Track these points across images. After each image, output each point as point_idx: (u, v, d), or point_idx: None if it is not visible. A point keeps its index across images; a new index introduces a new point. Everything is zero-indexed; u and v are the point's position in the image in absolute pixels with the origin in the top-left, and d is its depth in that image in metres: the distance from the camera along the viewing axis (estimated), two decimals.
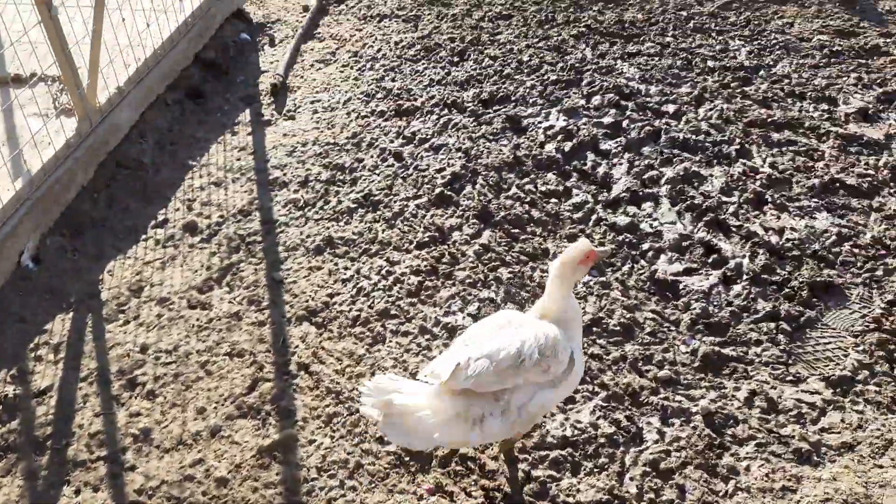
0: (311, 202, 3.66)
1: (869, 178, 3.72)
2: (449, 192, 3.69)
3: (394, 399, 2.15)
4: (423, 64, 4.79)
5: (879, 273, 3.20)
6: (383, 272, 3.24)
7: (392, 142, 4.10)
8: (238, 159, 3.98)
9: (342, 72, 4.74)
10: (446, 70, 4.71)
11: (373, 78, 4.67)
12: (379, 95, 4.51)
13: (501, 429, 2.17)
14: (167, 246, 3.41)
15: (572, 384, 2.31)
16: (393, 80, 4.65)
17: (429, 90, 4.52)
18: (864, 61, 4.60)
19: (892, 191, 3.66)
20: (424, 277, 3.20)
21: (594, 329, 2.97)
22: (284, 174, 3.85)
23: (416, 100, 4.44)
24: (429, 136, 4.13)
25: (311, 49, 5.01)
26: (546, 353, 2.15)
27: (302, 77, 4.70)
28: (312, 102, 4.44)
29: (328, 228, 3.49)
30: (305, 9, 5.48)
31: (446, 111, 4.34)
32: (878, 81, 4.42)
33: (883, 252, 3.31)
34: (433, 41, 5.01)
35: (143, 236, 3.47)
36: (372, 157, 3.99)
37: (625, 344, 2.92)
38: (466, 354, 2.13)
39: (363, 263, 3.30)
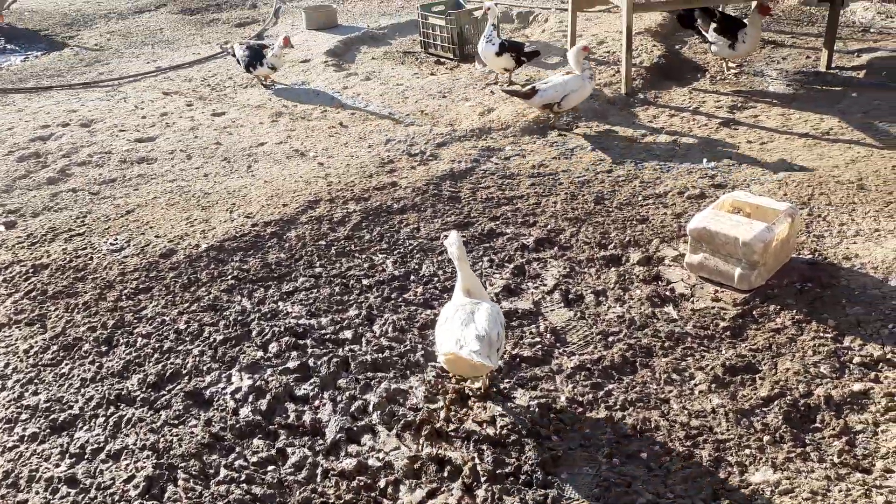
0: None
1: (539, 345, 4.10)
2: (150, 503, 3.15)
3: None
4: (68, 364, 4.21)
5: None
6: None
7: (58, 465, 3.45)
8: None
9: None
10: (97, 364, 4.19)
11: (9, 399, 3.95)
12: (24, 417, 3.81)
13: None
14: None
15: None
16: (36, 393, 3.99)
17: (84, 392, 3.96)
18: (487, 245, 5.21)
19: (563, 349, 4.07)
20: None
21: None
22: None
23: (71, 407, 3.84)
24: (102, 445, 3.57)
25: None
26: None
27: None
28: None
29: None
30: None
31: (113, 409, 3.82)
32: (506, 259, 5.02)
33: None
34: (70, 337, 4.47)
35: None
36: (38, 493, 3.28)
37: None
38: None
39: None
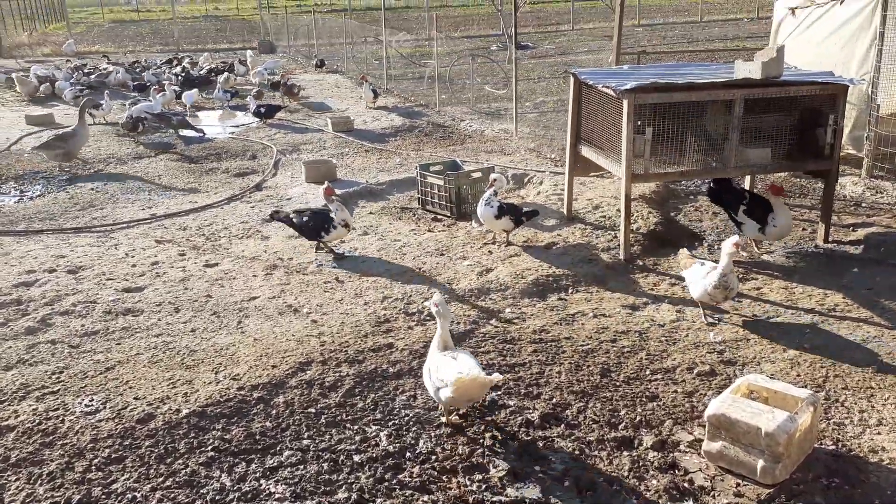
0: None
1: None
2: None
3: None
4: None
5: None
6: None
7: None
8: None
9: None
10: None
11: None
12: None
13: None
14: None
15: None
16: None
17: None
18: (489, 418, 4.88)
19: None
20: None
21: None
22: None
23: None
24: None
25: None
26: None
27: None
28: None
29: None
30: None
31: None
32: (510, 436, 4.69)
33: None
34: None
35: None
36: None
37: None
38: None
39: None
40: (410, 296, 6.88)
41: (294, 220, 8.13)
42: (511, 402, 5.05)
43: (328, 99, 19.74)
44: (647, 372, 5.41)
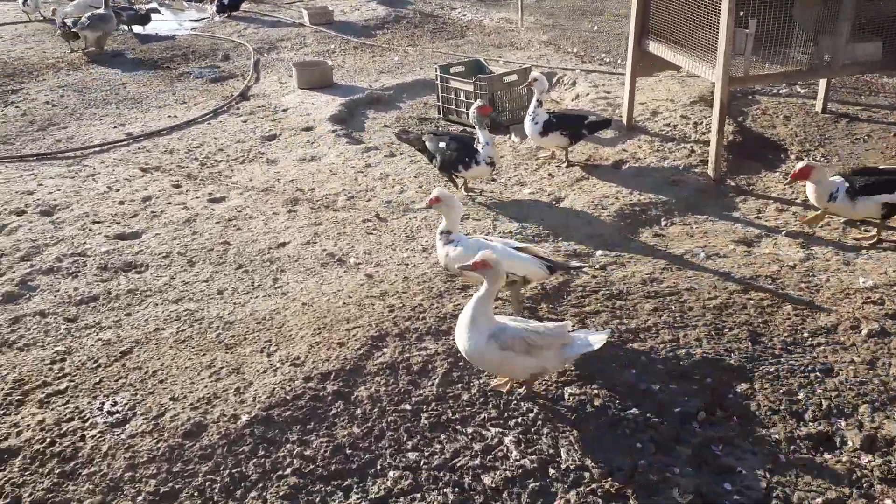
0: None
1: None
2: None
3: None
4: None
5: None
6: None
7: None
8: None
9: None
10: None
11: None
12: None
13: None
14: None
15: None
16: None
17: None
18: (632, 406, 3.87)
19: None
20: None
21: None
22: None
23: None
24: None
25: None
26: None
27: None
28: None
29: None
30: None
31: None
32: (672, 436, 3.69)
33: None
34: None
35: None
36: None
37: None
38: None
39: None
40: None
41: (428, 144, 6.40)
42: (654, 386, 4.02)
43: None
44: (805, 335, 4.42)
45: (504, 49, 11.40)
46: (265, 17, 14.17)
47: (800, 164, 5.33)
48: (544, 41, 11.55)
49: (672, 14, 6.72)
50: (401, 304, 4.83)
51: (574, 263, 4.84)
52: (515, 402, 3.96)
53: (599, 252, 5.44)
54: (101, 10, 11.96)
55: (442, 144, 6.30)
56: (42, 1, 14.73)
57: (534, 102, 6.77)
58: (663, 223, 5.87)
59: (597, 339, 3.80)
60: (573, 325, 4.34)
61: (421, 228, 5.90)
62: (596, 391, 3.98)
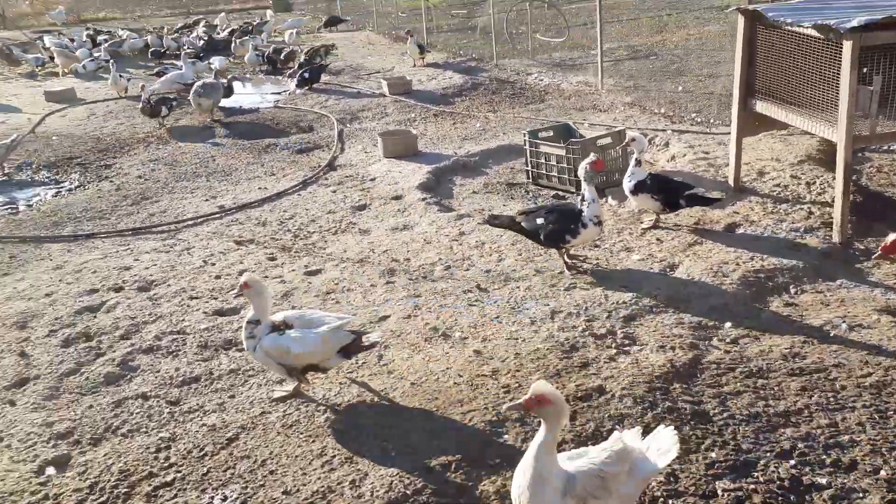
0: None
1: None
2: None
3: None
4: None
5: None
6: None
7: None
8: None
9: None
10: None
11: None
12: None
13: None
14: None
15: None
16: None
17: None
18: None
19: None
20: None
21: None
22: None
23: None
24: None
25: None
26: None
27: None
28: None
29: None
30: None
31: None
32: None
33: None
34: None
35: None
36: None
37: None
38: None
39: None
40: (586, 307, 5.37)
41: (524, 224, 5.99)
42: (822, 479, 3.55)
43: (366, 58, 18.01)
44: None
45: (586, 112, 11.20)
46: (345, 88, 14.38)
47: (891, 237, 4.96)
48: (628, 102, 11.31)
49: (782, 73, 6.38)
50: (516, 384, 4.49)
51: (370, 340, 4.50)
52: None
53: (728, 324, 5.01)
54: (211, 80, 12.47)
55: (540, 220, 5.92)
56: (127, 78, 15.35)
57: (633, 162, 6.49)
58: (793, 291, 5.42)
59: (663, 458, 3.16)
60: (639, 434, 3.36)
61: (526, 300, 5.59)
62: (753, 486, 3.53)
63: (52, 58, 18.70)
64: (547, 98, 12.46)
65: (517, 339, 5.05)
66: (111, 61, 16.03)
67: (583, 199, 5.78)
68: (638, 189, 6.35)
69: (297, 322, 4.41)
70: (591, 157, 5.90)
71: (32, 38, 24.24)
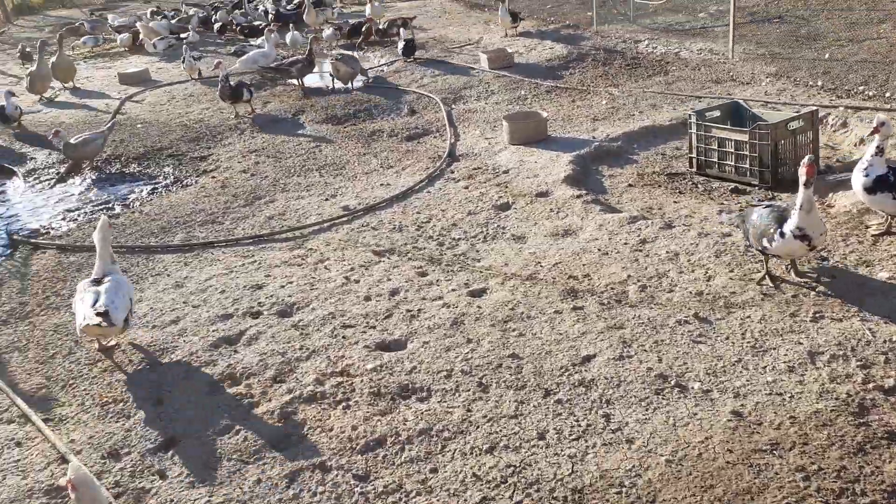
0: None
1: None
2: None
3: None
4: None
5: None
6: None
7: None
8: None
9: None
10: None
11: None
12: None
13: None
14: None
15: None
16: None
17: None
18: None
19: None
20: None
21: None
22: None
23: None
24: None
25: None
26: None
27: None
28: None
29: None
30: None
31: None
32: None
33: None
34: None
35: None
36: None
37: None
38: None
39: None
40: (854, 349, 4.29)
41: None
42: None
43: (447, 28, 16.87)
44: None
45: (724, 84, 9.96)
46: (437, 63, 13.26)
47: None
48: (772, 74, 10.03)
49: None
50: (813, 466, 3.47)
51: None
52: None
53: None
54: (349, 53, 11.97)
55: (754, 216, 4.99)
56: (197, 57, 14.51)
57: (871, 150, 5.33)
58: None
59: None
60: None
61: (766, 335, 4.53)
62: None
63: (105, 38, 18.40)
64: (670, 69, 11.22)
65: (781, 394, 4.00)
66: (186, 39, 15.18)
67: (787, 207, 4.80)
68: (878, 186, 5.20)
69: None
70: (807, 159, 4.74)
71: (91, 19, 23.54)
